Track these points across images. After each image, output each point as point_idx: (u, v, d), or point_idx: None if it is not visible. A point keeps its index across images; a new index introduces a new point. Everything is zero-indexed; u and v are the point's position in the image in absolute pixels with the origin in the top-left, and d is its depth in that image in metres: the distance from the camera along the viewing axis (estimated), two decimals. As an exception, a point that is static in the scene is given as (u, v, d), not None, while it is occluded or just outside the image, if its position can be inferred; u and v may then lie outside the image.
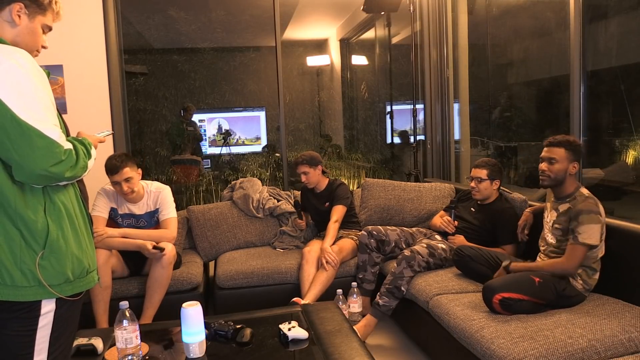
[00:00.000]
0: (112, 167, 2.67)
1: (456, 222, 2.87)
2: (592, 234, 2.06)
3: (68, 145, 1.28)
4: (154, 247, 2.67)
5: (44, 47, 1.42)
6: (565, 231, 2.18)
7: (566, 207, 2.19)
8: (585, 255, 2.10)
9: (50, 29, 1.41)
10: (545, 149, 2.23)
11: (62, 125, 1.37)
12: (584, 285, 2.14)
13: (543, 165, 2.21)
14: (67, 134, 1.42)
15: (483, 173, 2.78)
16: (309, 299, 2.76)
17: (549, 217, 2.30)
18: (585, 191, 2.19)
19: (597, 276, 2.16)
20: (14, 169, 1.22)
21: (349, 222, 3.27)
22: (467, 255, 2.51)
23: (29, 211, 1.24)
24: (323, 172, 3.29)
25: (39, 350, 1.28)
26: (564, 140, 2.19)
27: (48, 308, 1.28)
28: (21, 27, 1.33)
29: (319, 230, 3.38)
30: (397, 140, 6.36)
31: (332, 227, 3.07)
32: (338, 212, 3.14)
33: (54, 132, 1.23)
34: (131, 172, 2.70)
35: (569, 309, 2.06)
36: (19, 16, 1.32)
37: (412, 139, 4.32)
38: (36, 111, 1.22)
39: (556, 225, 2.23)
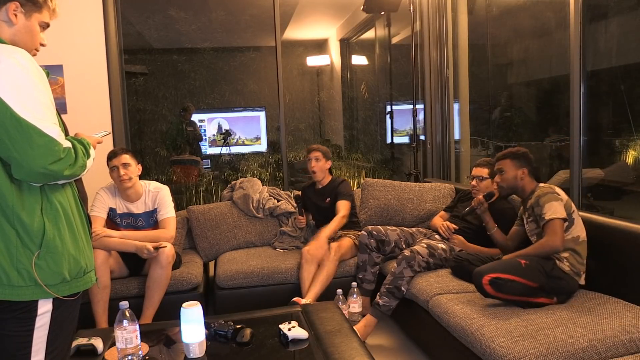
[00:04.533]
0: (112, 153, 2.78)
1: (454, 226, 2.86)
2: (555, 209, 2.20)
3: (67, 144, 1.28)
4: (155, 248, 2.66)
5: (42, 44, 1.42)
6: (537, 221, 2.29)
7: (530, 202, 2.35)
8: (563, 229, 2.19)
9: (47, 25, 1.42)
10: (495, 164, 2.48)
11: (61, 124, 1.37)
12: (571, 268, 2.20)
13: (496, 178, 2.47)
14: (67, 133, 1.42)
15: (485, 172, 2.80)
16: (309, 297, 2.76)
17: (525, 219, 2.43)
18: (543, 184, 2.38)
19: (584, 262, 2.24)
20: (13, 167, 1.22)
21: (349, 222, 3.26)
22: (464, 259, 2.55)
23: (25, 211, 1.24)
24: (329, 171, 3.32)
25: (37, 351, 1.28)
26: (508, 152, 2.45)
27: (45, 308, 1.28)
28: (18, 26, 1.33)
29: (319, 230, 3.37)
30: (401, 140, 6.34)
31: (338, 219, 3.08)
32: (344, 207, 3.15)
33: (53, 130, 1.24)
34: (130, 160, 2.76)
35: (569, 307, 2.06)
36: (16, 15, 1.32)
37: (410, 139, 4.32)
38: (35, 109, 1.22)
39: (530, 219, 2.35)
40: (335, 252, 2.94)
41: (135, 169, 2.79)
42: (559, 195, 2.25)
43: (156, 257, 2.66)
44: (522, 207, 2.48)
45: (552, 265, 2.18)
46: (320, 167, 3.24)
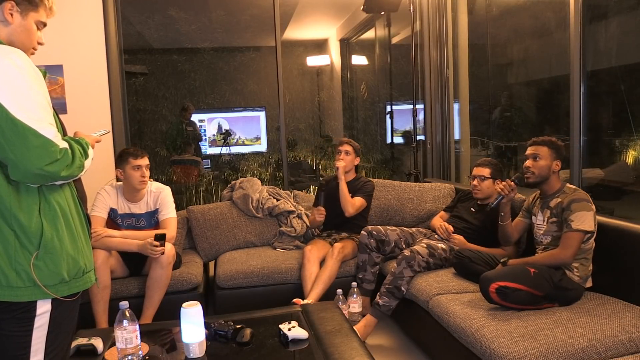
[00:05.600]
0: (135, 152, 2.77)
1: (452, 228, 2.85)
2: (585, 220, 2.13)
3: (64, 145, 1.27)
4: (156, 236, 2.61)
5: (40, 43, 1.41)
6: (561, 224, 2.23)
7: (557, 201, 2.26)
8: (581, 243, 2.14)
9: (44, 25, 1.41)
10: (529, 147, 2.35)
11: (59, 125, 1.36)
12: (580, 277, 2.18)
13: (528, 162, 2.33)
14: (64, 133, 1.42)
15: (486, 172, 2.80)
16: (312, 298, 2.76)
17: (541, 217, 2.35)
18: (572, 186, 2.30)
19: (591, 266, 2.21)
20: (10, 168, 1.22)
21: (356, 226, 3.22)
22: (466, 257, 2.53)
23: (23, 212, 1.24)
24: (356, 169, 3.33)
25: (36, 351, 1.28)
26: (547, 140, 2.33)
27: (44, 309, 1.28)
28: (14, 26, 1.32)
29: (322, 230, 3.37)
30: (399, 140, 6.35)
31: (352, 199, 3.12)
32: (358, 200, 3.15)
33: (49, 131, 1.23)
34: (148, 162, 2.80)
35: (569, 308, 2.06)
36: (11, 14, 1.31)
37: (404, 139, 4.32)
38: (31, 110, 1.22)
39: (552, 220, 2.28)
40: (339, 252, 2.94)
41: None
42: (591, 205, 2.18)
43: (156, 257, 2.65)
44: (535, 201, 2.42)
45: (561, 275, 2.15)
46: (349, 160, 3.22)
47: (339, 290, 2.57)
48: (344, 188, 3.11)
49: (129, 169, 2.74)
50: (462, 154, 4.49)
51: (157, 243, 2.60)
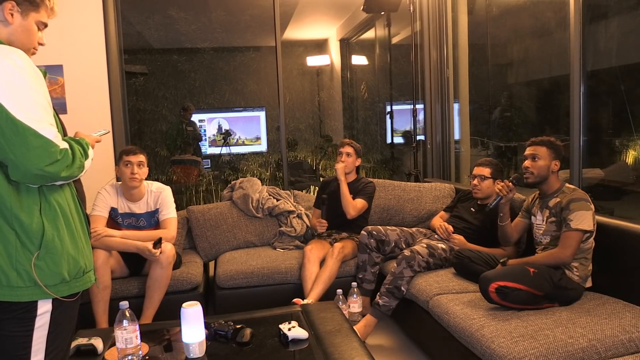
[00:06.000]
0: (129, 149, 2.80)
1: (452, 228, 2.85)
2: (584, 219, 2.13)
3: (64, 145, 1.27)
4: (155, 243, 2.64)
5: (41, 44, 1.41)
6: (560, 224, 2.23)
7: (556, 201, 2.27)
8: (580, 243, 2.14)
9: (45, 25, 1.40)
10: (528, 148, 2.36)
11: (59, 125, 1.36)
12: (580, 277, 2.18)
13: (527, 162, 2.34)
14: (64, 134, 1.42)
15: (486, 171, 2.80)
16: (312, 297, 2.76)
17: (540, 217, 2.36)
18: (571, 185, 2.31)
19: (590, 266, 2.21)
20: (10, 169, 1.21)
21: (357, 226, 3.21)
22: (466, 257, 2.53)
23: (24, 212, 1.24)
24: (357, 170, 3.33)
25: (36, 351, 1.28)
26: (546, 140, 2.33)
27: (44, 308, 1.28)
28: (15, 26, 1.32)
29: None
30: (399, 140, 6.35)
31: (353, 201, 3.13)
32: (359, 202, 3.15)
33: (49, 131, 1.23)
34: (145, 160, 2.80)
35: (569, 308, 2.06)
36: (12, 14, 1.31)
37: (404, 139, 4.32)
38: (31, 110, 1.21)
39: (551, 219, 2.28)
40: (339, 252, 2.94)
41: (145, 171, 2.81)
42: (590, 204, 2.18)
43: (156, 259, 2.66)
44: (535, 201, 2.43)
45: (561, 274, 2.15)
46: (351, 162, 3.23)
47: (339, 290, 2.57)
48: (344, 190, 3.12)
49: (122, 165, 2.77)
50: (462, 154, 4.49)
51: (155, 250, 2.62)
